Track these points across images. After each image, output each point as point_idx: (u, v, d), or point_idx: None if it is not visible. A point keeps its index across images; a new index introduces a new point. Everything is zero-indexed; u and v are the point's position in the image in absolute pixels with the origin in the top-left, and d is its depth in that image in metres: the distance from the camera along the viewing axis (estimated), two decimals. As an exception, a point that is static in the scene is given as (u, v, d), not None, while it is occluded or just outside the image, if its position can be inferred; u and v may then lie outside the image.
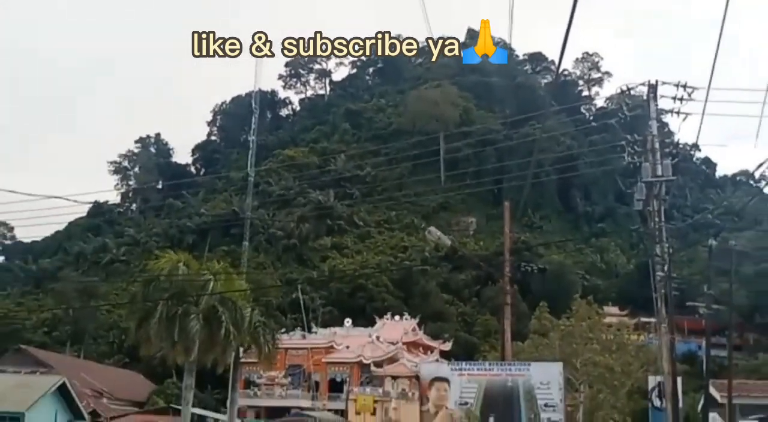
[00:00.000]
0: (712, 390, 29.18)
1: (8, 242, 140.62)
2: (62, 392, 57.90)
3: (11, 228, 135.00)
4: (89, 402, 62.08)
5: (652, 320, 28.38)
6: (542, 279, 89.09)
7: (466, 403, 18.14)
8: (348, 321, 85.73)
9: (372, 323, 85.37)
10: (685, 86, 22.17)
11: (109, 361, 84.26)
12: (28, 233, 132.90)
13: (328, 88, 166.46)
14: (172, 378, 65.17)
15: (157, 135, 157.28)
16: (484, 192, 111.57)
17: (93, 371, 74.05)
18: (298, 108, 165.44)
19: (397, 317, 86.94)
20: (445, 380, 19.02)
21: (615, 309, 69.42)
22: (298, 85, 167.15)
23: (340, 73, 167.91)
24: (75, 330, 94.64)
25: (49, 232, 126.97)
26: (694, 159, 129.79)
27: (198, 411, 53.57)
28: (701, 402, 30.12)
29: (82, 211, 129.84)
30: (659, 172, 21.94)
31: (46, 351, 79.40)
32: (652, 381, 25.03)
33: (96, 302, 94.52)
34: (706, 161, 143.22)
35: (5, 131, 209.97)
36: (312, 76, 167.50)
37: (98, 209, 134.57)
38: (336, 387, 75.90)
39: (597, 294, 63.84)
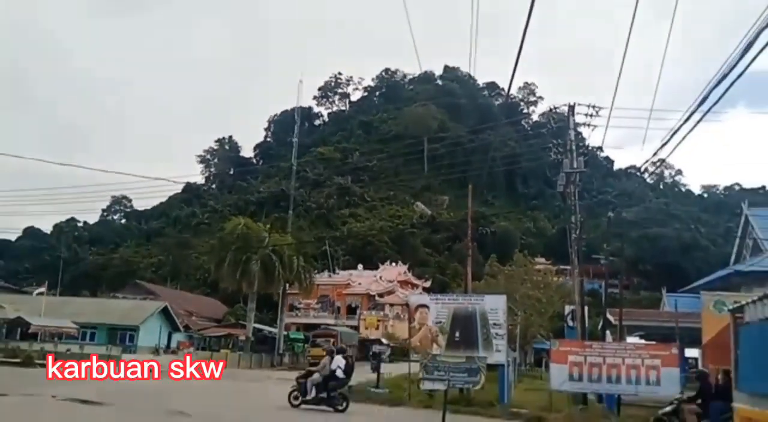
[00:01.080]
0: (609, 316, 29.19)
1: (128, 209, 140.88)
2: (165, 312, 58.32)
3: (130, 200, 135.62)
4: (183, 319, 62.49)
5: (568, 267, 28.45)
6: (493, 239, 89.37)
7: (440, 322, 18.17)
8: (360, 266, 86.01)
9: (376, 267, 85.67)
10: (594, 107, 22.23)
11: (197, 291, 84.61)
12: (141, 203, 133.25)
13: (348, 106, 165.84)
14: (240, 304, 65.50)
15: (230, 137, 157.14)
16: (454, 178, 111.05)
17: (186, 298, 74.51)
18: (326, 119, 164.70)
19: (393, 263, 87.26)
20: (426, 306, 19.05)
21: (543, 260, 69.19)
22: (327, 103, 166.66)
23: (356, 96, 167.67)
24: (173, 270, 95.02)
25: (156, 203, 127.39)
26: (599, 157, 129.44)
27: (257, 325, 53.97)
28: (600, 323, 30.22)
29: (178, 188, 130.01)
30: (575, 166, 21.97)
31: (154, 284, 79.88)
32: (567, 308, 25.17)
33: (188, 251, 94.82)
34: (607, 158, 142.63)
35: (129, 133, 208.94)
36: (337, 98, 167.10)
37: (189, 187, 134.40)
38: (351, 310, 76.39)
39: (530, 250, 63.70)
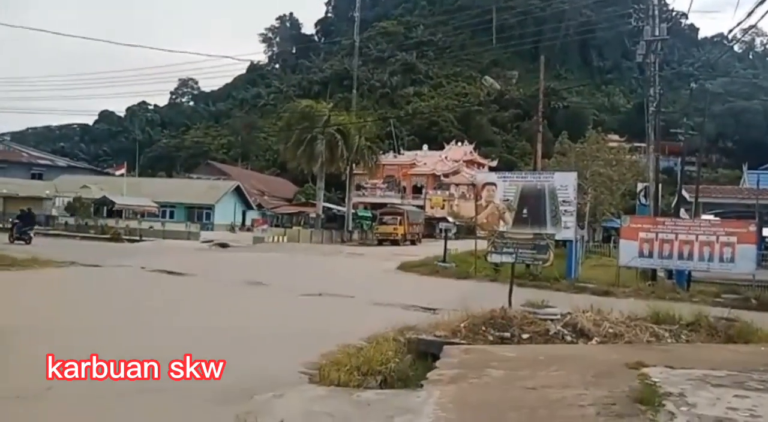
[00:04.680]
0: (684, 193, 28.44)
1: (195, 92, 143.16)
2: (237, 192, 60.66)
3: (197, 82, 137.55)
4: (255, 198, 64.90)
5: (643, 144, 27.47)
6: (564, 115, 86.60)
7: (508, 199, 18.20)
8: (425, 146, 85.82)
9: (442, 147, 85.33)
10: (683, -34, 20.32)
11: (267, 172, 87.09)
12: (208, 83, 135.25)
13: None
14: (309, 183, 67.16)
15: (291, 14, 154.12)
16: (524, 51, 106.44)
17: (257, 178, 76.93)
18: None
19: (459, 143, 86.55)
20: (494, 184, 19.03)
21: (616, 137, 66.84)
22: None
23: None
24: (243, 151, 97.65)
25: (222, 84, 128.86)
26: (683, 24, 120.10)
27: (326, 204, 55.63)
28: (675, 201, 29.50)
29: (243, 69, 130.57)
30: (657, 33, 20.60)
31: (225, 165, 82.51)
32: (640, 186, 24.55)
33: (256, 132, 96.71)
34: (692, 26, 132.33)
35: (191, 12, 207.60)
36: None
37: (253, 67, 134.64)
38: (417, 190, 77.25)
39: (603, 126, 61.59)
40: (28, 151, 75.05)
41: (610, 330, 7.69)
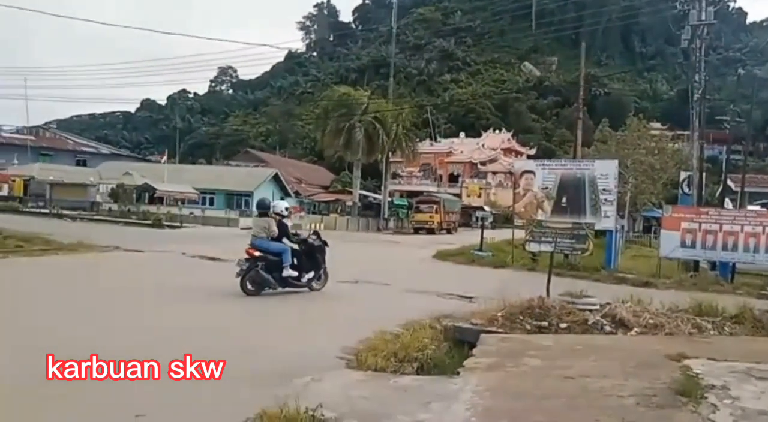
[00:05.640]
0: (729, 182, 27.64)
1: (234, 80, 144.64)
2: (275, 179, 61.11)
3: (236, 70, 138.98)
4: (293, 185, 65.36)
5: (686, 132, 26.73)
6: (605, 102, 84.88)
7: (547, 187, 17.98)
8: (462, 134, 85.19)
9: (479, 135, 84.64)
10: (730, -53, 19.64)
11: (305, 160, 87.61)
12: (247, 72, 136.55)
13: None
14: (346, 171, 67.35)
15: (328, 1, 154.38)
16: (564, 37, 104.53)
17: (294, 166, 77.43)
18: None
19: (497, 131, 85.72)
20: (532, 172, 18.80)
21: (658, 125, 65.16)
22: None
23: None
24: (281, 139, 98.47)
25: (260, 72, 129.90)
26: (731, 8, 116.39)
27: (362, 192, 55.71)
28: (719, 190, 28.72)
29: (281, 57, 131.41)
30: (703, 18, 19.99)
31: (264, 153, 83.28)
32: (683, 175, 23.96)
33: (294, 120, 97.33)
34: (740, 10, 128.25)
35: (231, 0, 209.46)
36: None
37: (291, 55, 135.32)
38: (453, 178, 76.92)
39: (645, 114, 60.16)
40: (73, 138, 77.12)
41: (651, 322, 7.57)
